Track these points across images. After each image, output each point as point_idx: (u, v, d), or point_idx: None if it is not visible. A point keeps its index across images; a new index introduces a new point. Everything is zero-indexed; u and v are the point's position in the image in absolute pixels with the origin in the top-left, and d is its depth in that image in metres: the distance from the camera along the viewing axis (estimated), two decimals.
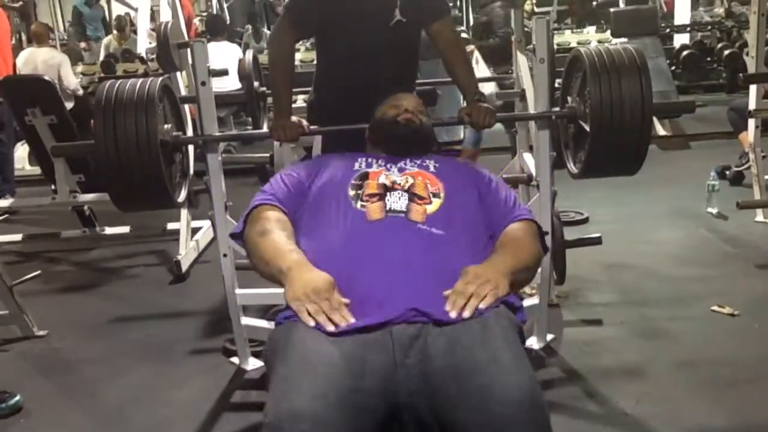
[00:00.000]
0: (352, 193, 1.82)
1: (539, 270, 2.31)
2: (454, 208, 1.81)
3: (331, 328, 1.49)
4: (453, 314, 1.51)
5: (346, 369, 1.38)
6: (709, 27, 9.38)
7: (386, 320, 1.49)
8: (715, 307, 2.97)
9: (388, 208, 1.77)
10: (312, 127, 2.38)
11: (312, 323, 1.50)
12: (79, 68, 8.20)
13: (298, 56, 9.03)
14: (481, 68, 4.82)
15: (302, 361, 1.40)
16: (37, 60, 6.23)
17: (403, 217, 1.75)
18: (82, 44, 10.35)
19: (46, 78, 4.35)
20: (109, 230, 4.35)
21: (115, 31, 9.19)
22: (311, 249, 1.72)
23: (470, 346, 1.41)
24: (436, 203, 1.80)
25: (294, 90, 2.53)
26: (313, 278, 1.59)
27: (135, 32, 8.75)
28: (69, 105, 5.85)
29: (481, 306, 1.52)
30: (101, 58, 8.78)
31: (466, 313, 1.51)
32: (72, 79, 6.45)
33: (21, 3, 10.53)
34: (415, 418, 1.39)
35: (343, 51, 2.46)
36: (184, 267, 3.82)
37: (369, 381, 1.38)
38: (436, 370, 1.39)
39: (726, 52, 8.06)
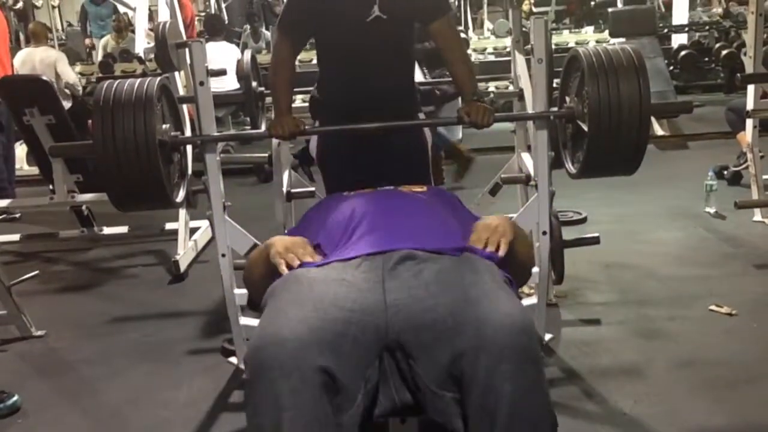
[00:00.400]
0: (345, 193, 2.15)
1: (537, 270, 2.31)
2: (436, 196, 2.12)
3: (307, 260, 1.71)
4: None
5: (334, 303, 1.48)
6: (707, 27, 9.40)
7: (380, 248, 1.66)
8: (713, 307, 2.98)
9: (377, 189, 2.15)
10: (307, 127, 2.40)
11: (286, 271, 1.68)
12: (78, 68, 8.19)
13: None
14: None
15: (293, 298, 1.52)
16: (35, 59, 6.21)
17: (392, 189, 2.14)
18: (87, 41, 10.37)
19: (44, 78, 4.34)
20: (107, 230, 4.35)
21: (113, 32, 9.18)
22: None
23: (463, 285, 1.52)
24: (420, 191, 2.14)
25: (293, 90, 2.57)
26: (291, 239, 1.84)
27: (133, 32, 8.73)
28: (67, 105, 5.86)
29: (500, 253, 1.72)
30: (99, 58, 8.78)
31: (489, 248, 1.73)
32: (71, 75, 6.41)
33: (20, 4, 10.54)
34: (400, 358, 1.45)
35: (332, 50, 2.54)
36: (183, 267, 3.82)
37: (357, 315, 1.46)
38: (428, 308, 1.47)
39: (724, 52, 8.06)
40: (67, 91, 6.17)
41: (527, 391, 1.34)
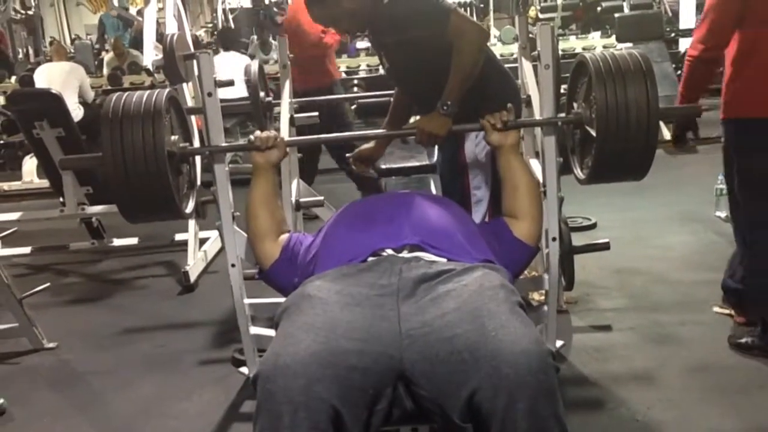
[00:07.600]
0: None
1: (547, 276, 2.30)
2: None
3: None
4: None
5: (347, 333, 1.47)
6: None
7: (396, 243, 1.76)
8: (715, 308, 2.99)
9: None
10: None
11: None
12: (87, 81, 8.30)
13: None
14: None
15: (306, 321, 1.51)
16: (54, 72, 6.39)
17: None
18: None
19: (54, 91, 4.38)
20: (117, 242, 4.37)
21: (111, 53, 9.26)
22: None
23: (481, 315, 1.49)
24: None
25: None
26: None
27: (137, 48, 8.82)
28: (80, 114, 5.97)
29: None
30: (105, 73, 8.89)
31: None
32: (91, 94, 6.67)
33: (25, 16, 10.67)
34: (415, 388, 1.46)
35: None
36: (193, 277, 3.83)
37: (370, 345, 1.46)
38: (444, 339, 1.45)
39: None
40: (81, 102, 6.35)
41: (544, 426, 1.39)
